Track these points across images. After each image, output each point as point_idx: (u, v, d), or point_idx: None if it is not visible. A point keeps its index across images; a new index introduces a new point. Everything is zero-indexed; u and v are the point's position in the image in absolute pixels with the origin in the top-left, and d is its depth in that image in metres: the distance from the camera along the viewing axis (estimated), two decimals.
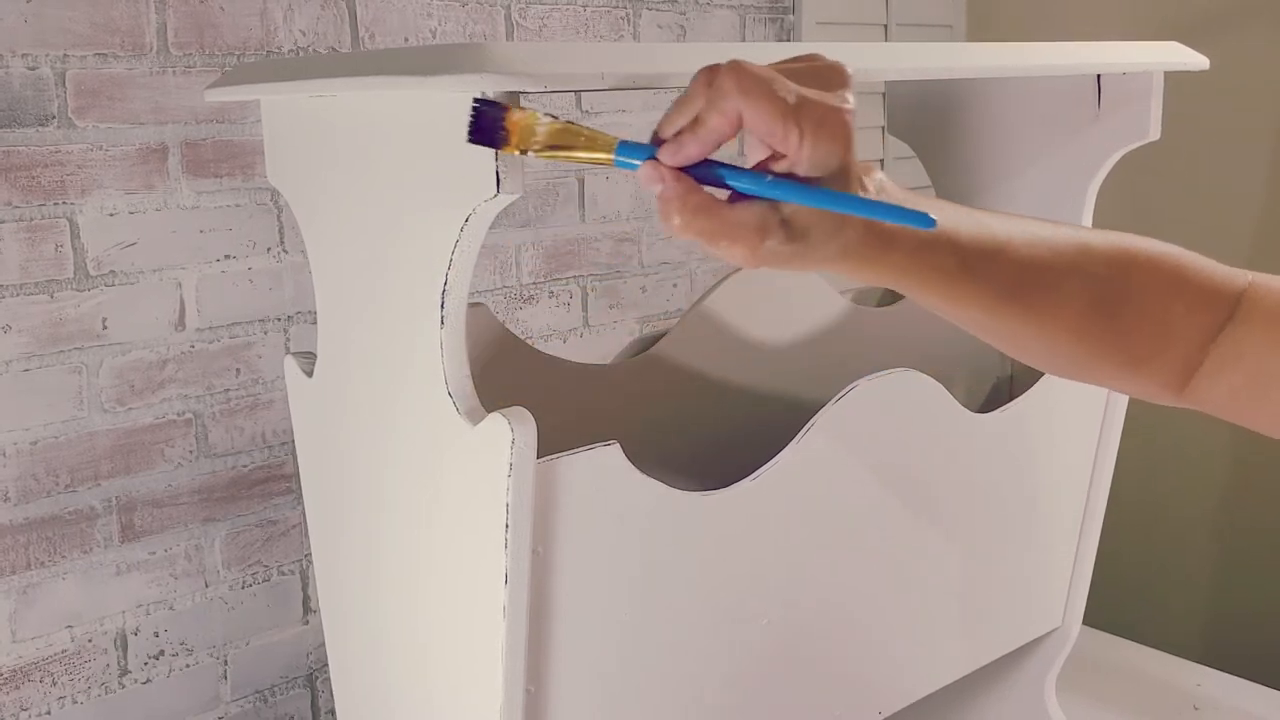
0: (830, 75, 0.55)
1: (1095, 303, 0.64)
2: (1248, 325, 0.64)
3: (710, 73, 0.53)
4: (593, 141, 0.54)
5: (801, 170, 0.53)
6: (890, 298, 1.15)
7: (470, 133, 0.55)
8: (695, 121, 0.53)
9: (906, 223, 0.54)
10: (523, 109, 0.56)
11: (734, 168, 0.54)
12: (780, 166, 0.53)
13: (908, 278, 0.59)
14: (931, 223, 0.53)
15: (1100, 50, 0.89)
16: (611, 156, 0.54)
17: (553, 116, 0.56)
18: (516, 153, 0.56)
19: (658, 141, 0.54)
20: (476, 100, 0.55)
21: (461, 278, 0.64)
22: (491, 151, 0.59)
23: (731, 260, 0.54)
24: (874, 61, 0.77)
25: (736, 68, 0.52)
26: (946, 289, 0.60)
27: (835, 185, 0.53)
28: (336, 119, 0.71)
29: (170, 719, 1.33)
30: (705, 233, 0.53)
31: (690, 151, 0.53)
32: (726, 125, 0.52)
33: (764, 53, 0.59)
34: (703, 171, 0.54)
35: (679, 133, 0.53)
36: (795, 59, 0.57)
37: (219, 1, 1.28)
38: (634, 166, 0.54)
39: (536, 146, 0.55)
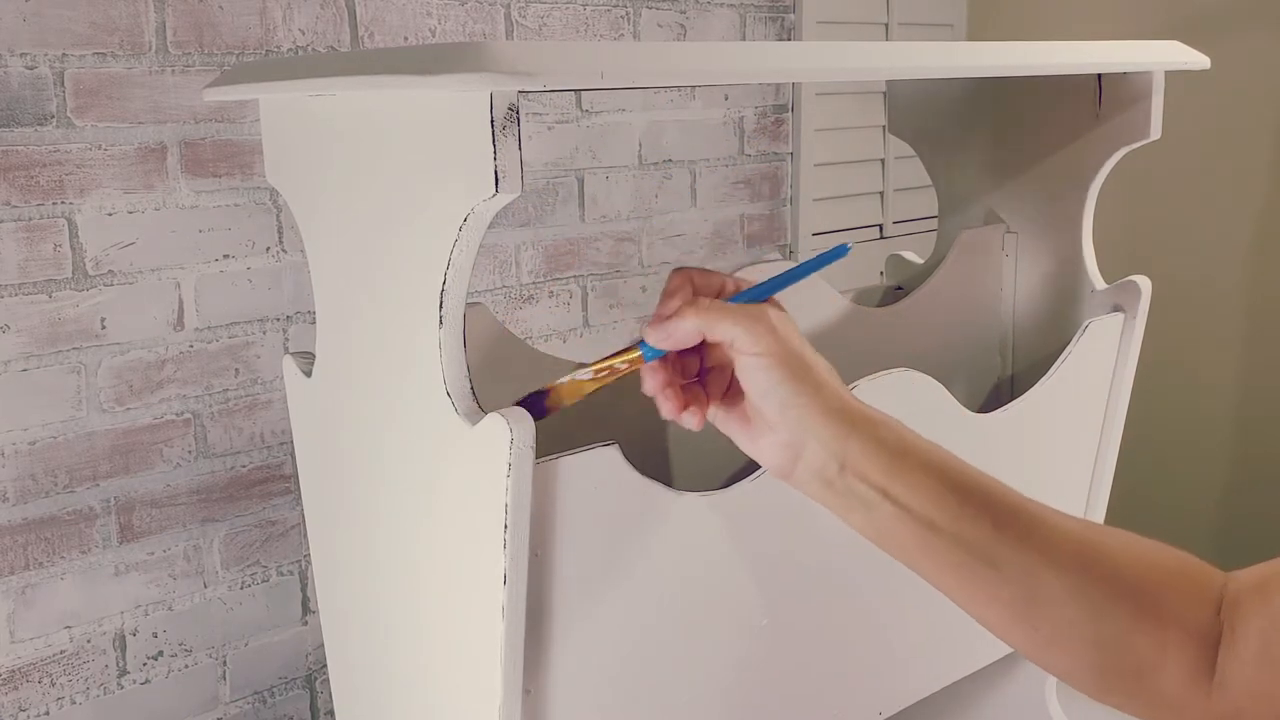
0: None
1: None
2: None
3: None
4: (615, 368, 0.64)
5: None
6: (891, 298, 1.15)
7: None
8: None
9: (826, 261, 0.64)
10: (558, 384, 0.65)
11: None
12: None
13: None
14: (845, 249, 0.64)
15: (1100, 50, 0.89)
16: (640, 354, 0.64)
17: (583, 370, 0.65)
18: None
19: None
20: (518, 403, 0.64)
21: (460, 277, 0.64)
22: (491, 150, 0.59)
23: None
24: (874, 61, 0.77)
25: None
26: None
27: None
28: (336, 119, 0.71)
29: (169, 719, 1.32)
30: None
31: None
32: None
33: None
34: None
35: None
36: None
37: (218, 1, 1.28)
38: (659, 352, 0.63)
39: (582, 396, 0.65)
